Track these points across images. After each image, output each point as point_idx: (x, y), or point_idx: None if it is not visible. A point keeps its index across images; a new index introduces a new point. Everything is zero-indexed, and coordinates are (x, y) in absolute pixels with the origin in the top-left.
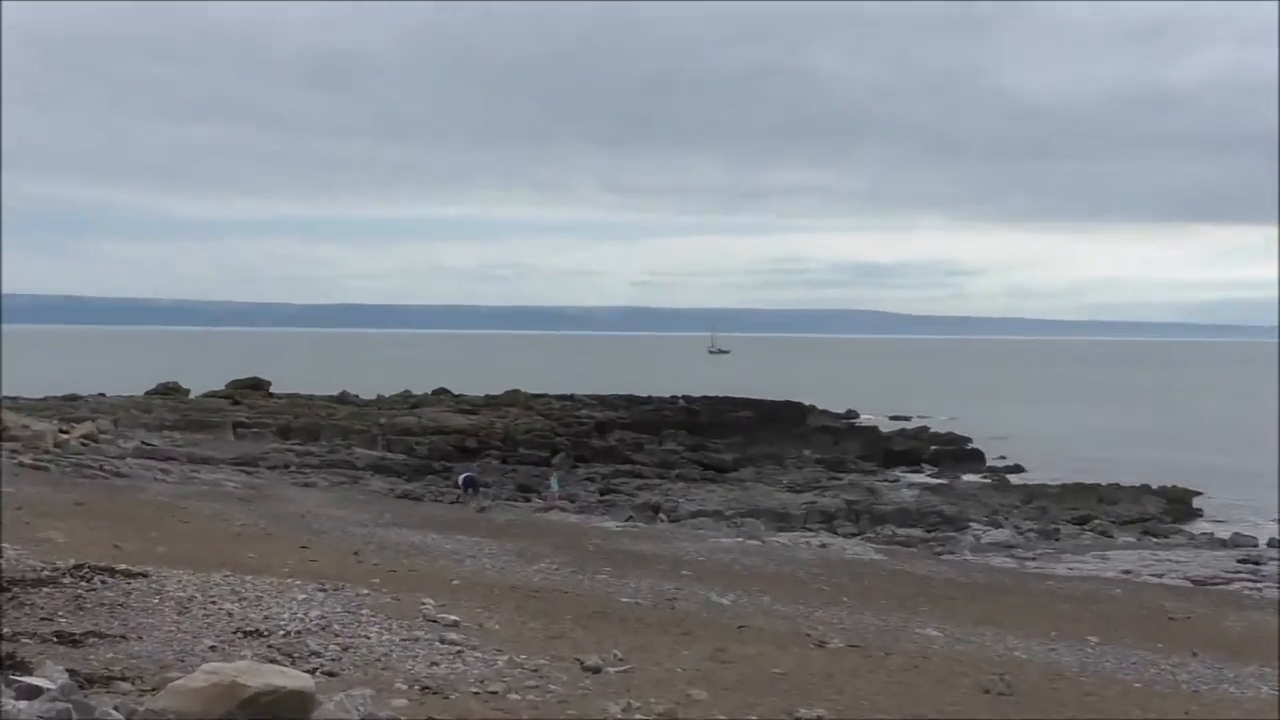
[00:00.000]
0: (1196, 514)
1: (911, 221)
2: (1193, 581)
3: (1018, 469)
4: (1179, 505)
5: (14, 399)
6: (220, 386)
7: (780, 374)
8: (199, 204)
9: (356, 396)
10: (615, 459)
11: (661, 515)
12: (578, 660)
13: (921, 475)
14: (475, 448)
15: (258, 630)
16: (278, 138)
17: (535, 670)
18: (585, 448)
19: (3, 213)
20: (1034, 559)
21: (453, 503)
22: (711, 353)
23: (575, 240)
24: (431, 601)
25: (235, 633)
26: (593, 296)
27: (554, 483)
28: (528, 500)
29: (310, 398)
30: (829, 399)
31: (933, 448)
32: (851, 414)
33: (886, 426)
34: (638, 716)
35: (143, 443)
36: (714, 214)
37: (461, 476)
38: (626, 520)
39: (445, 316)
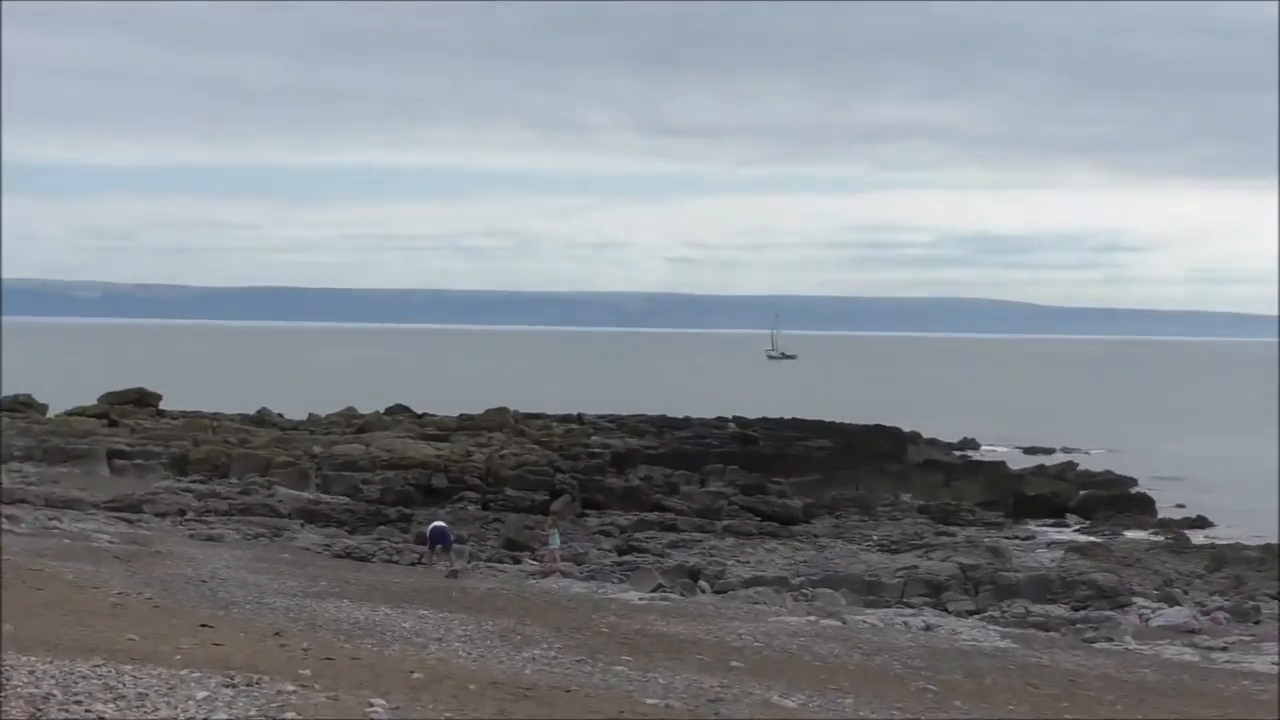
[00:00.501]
0: None
1: (1057, 176)
2: None
3: (1202, 523)
4: None
5: None
6: (90, 401)
7: (870, 388)
8: (48, 146)
9: (280, 416)
10: (640, 504)
11: (703, 584)
12: None
13: (1067, 531)
14: (445, 488)
15: None
16: (161, 52)
17: None
18: (598, 489)
19: None
20: (1224, 649)
21: (414, 564)
22: (772, 357)
23: (591, 200)
24: (383, 703)
25: None
26: (614, 278)
27: (554, 538)
28: (517, 561)
29: (215, 417)
30: (938, 423)
31: (1082, 492)
32: (969, 444)
33: (1018, 462)
34: None
35: None
36: (784, 164)
37: (428, 528)
38: (654, 590)
39: (405, 304)
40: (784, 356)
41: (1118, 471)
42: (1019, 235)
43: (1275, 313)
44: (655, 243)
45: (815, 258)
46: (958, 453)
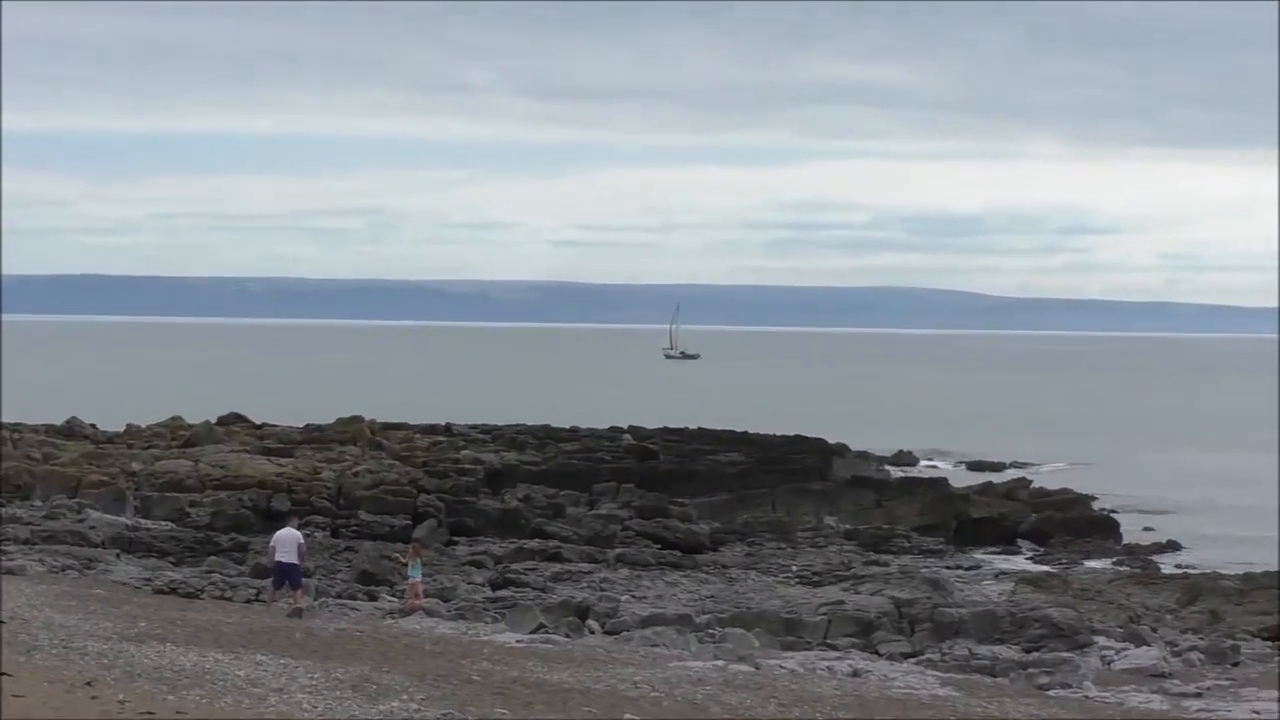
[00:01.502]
0: None
1: (1015, 147)
2: None
3: (1173, 547)
4: None
5: None
6: None
7: (790, 392)
8: None
9: (93, 427)
10: (518, 530)
11: (592, 623)
12: None
13: (1018, 559)
14: (287, 511)
15: None
16: None
17: None
18: (469, 512)
19: None
20: (1198, 695)
21: (250, 601)
22: (670, 356)
23: (467, 173)
24: None
25: None
26: (492, 265)
27: (414, 569)
28: (373, 598)
29: (16, 429)
30: (869, 434)
31: (1036, 515)
32: (905, 458)
33: (962, 479)
34: None
35: None
36: (695, 132)
37: (268, 558)
38: (534, 631)
39: (242, 295)
40: (684, 356)
41: (1077, 490)
42: (970, 215)
43: (1275, 304)
44: (542, 224)
45: (731, 241)
46: (891, 468)
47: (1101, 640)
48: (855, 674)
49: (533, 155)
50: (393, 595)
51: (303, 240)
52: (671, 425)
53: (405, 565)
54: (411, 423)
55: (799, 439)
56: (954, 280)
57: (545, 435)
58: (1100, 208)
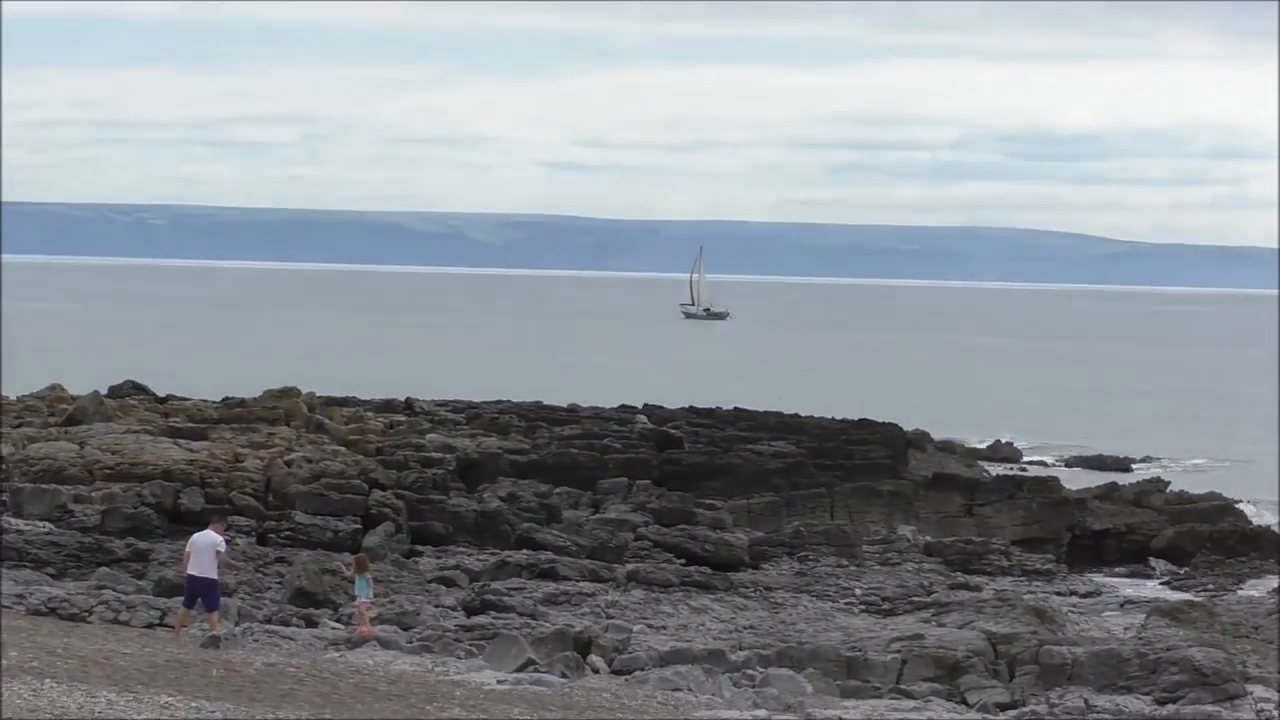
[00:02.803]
0: None
1: (1149, 43)
2: None
3: None
4: None
5: None
6: None
7: (852, 365)
8: None
9: None
10: (500, 539)
11: (596, 659)
12: None
13: (1150, 584)
14: (201, 511)
15: None
16: None
17: None
18: (436, 514)
19: None
20: None
21: (153, 626)
22: (691, 315)
23: (429, 70)
24: None
25: None
26: (464, 194)
27: (360, 587)
28: (311, 624)
29: None
30: (957, 420)
31: (1174, 527)
32: (1005, 451)
33: (1077, 480)
34: None
35: None
36: (729, 21)
37: (177, 571)
38: (521, 669)
39: (132, 228)
40: (709, 315)
41: (1227, 495)
42: (1087, 133)
43: None
44: (530, 139)
45: (774, 165)
46: (986, 465)
47: (1258, 690)
48: None
49: (516, 48)
50: (338, 621)
51: (214, 157)
52: (699, 405)
53: (352, 581)
54: (362, 397)
55: (864, 424)
56: (1065, 219)
57: (536, 416)
58: (1260, 125)
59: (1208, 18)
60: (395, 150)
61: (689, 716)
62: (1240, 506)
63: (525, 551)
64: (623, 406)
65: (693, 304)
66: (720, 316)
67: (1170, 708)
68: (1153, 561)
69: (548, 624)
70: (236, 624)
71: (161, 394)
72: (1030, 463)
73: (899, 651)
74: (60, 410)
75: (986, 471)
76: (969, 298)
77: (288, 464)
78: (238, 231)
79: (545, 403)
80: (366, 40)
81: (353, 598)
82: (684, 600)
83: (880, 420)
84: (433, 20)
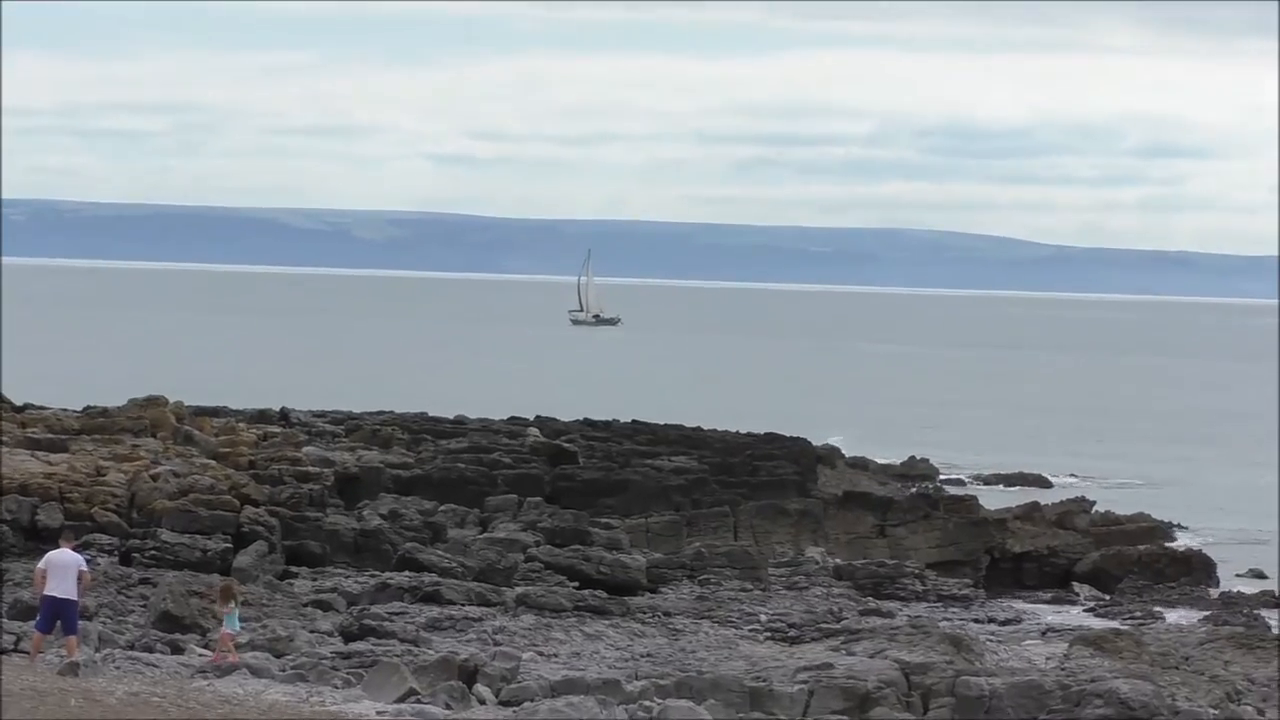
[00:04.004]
0: None
1: (1079, 34)
2: None
3: None
4: None
5: None
6: None
7: (758, 375)
8: None
9: None
10: (380, 559)
11: (483, 689)
12: None
13: (1073, 610)
14: (60, 528)
15: None
16: None
17: None
18: (313, 533)
19: None
20: None
21: (7, 652)
22: (579, 321)
23: (309, 56)
24: None
25: None
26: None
27: (229, 619)
28: (177, 650)
29: None
30: (869, 435)
31: (1098, 550)
32: (920, 468)
33: (997, 498)
34: None
35: None
36: (641, 5)
37: (33, 592)
38: (403, 700)
39: None
40: (599, 321)
41: (1155, 515)
42: (1012, 128)
43: None
44: (418, 130)
45: (677, 160)
46: (901, 482)
47: None
48: None
49: (404, 33)
50: (205, 647)
51: (79, 148)
52: (594, 417)
53: (220, 612)
54: (234, 407)
55: (771, 439)
56: (988, 221)
57: (419, 428)
58: (1194, 120)
59: (1137, 8)
60: (274, 141)
61: None
62: (1168, 526)
63: (408, 573)
64: (512, 418)
65: (581, 310)
66: (611, 323)
67: None
68: (1077, 586)
69: (431, 651)
70: (97, 650)
71: (17, 402)
72: (946, 480)
73: (806, 682)
74: None
75: (898, 490)
76: (884, 304)
77: (153, 478)
78: (105, 228)
79: (430, 414)
80: (245, 23)
81: (218, 624)
82: (577, 626)
83: (787, 435)
84: (316, 2)
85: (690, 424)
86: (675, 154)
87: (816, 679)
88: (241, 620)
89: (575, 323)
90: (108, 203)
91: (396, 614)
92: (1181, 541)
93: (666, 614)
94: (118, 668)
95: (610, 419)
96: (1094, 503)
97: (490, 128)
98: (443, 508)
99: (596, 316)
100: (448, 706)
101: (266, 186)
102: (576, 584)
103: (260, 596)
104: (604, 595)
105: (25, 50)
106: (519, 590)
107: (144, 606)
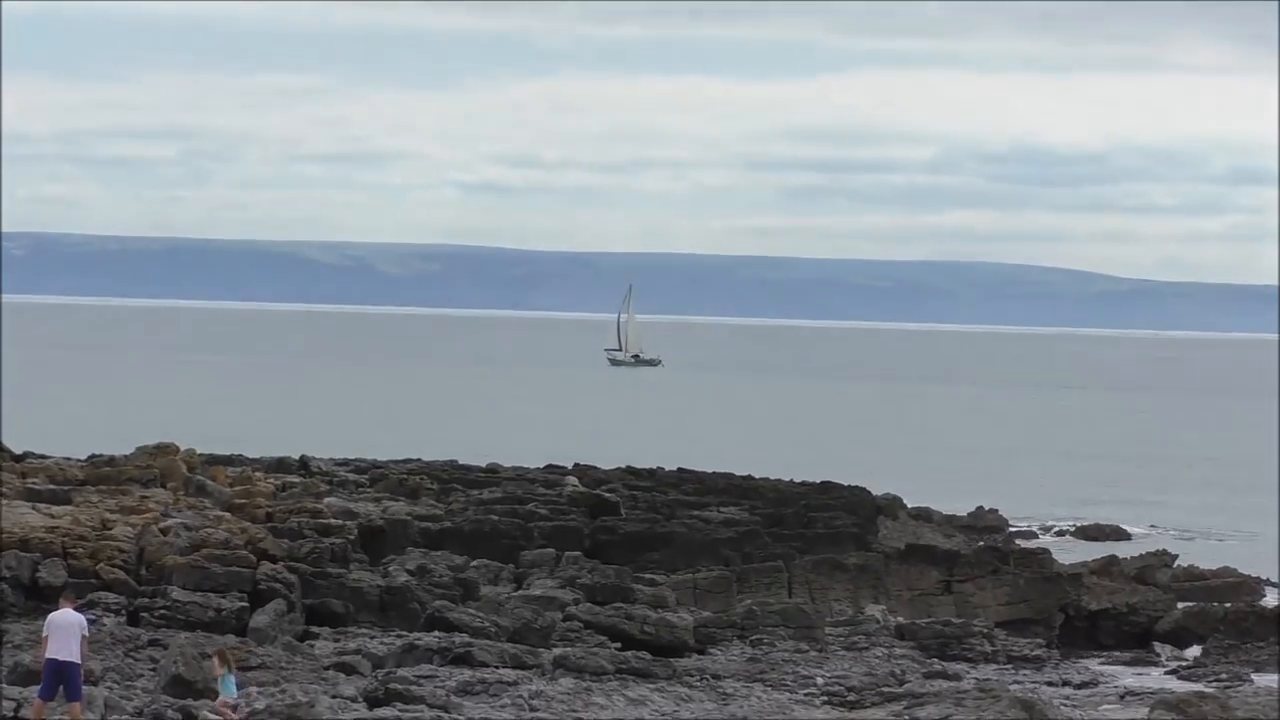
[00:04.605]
0: None
1: (1158, 51)
2: None
3: None
4: None
5: None
6: None
7: (813, 420)
8: None
9: None
10: (408, 619)
11: None
12: None
13: (1154, 672)
14: (63, 586)
15: None
16: None
17: None
18: (335, 590)
19: None
20: None
21: (8, 719)
22: (618, 362)
23: (328, 79)
24: None
25: None
26: (368, 221)
27: (225, 684)
28: (190, 717)
29: None
30: (934, 483)
31: (1183, 605)
32: (988, 519)
33: (1072, 551)
34: None
35: None
36: (674, 23)
37: (35, 655)
38: None
39: None
40: (639, 362)
41: (1243, 570)
42: (1086, 153)
43: None
44: (445, 158)
45: (723, 188)
46: (968, 535)
47: None
48: None
49: (430, 53)
50: (206, 714)
51: (82, 177)
52: (636, 465)
53: (215, 675)
54: (250, 455)
55: (827, 488)
56: (1060, 253)
57: (449, 478)
58: None
59: (1219, 24)
60: (290, 170)
61: None
62: (1258, 581)
63: (437, 633)
64: (549, 466)
65: (620, 349)
66: (652, 363)
67: None
68: (1158, 647)
69: (462, 717)
70: (102, 716)
71: (17, 450)
72: (1016, 533)
73: None
74: None
75: (965, 543)
76: (948, 342)
77: (163, 532)
78: (109, 263)
79: (460, 461)
80: (258, 43)
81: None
82: (620, 690)
83: (845, 483)
84: (334, 20)
85: (740, 472)
86: (721, 181)
87: None
88: (258, 686)
89: (613, 363)
90: (112, 235)
91: (425, 677)
92: (1271, 598)
93: (715, 677)
94: None
95: (654, 467)
96: (1176, 556)
97: (521, 154)
98: (474, 563)
99: (636, 356)
100: None
101: (282, 218)
102: (619, 645)
103: (279, 659)
104: (648, 657)
105: (22, 72)
106: (557, 652)
107: (153, 670)
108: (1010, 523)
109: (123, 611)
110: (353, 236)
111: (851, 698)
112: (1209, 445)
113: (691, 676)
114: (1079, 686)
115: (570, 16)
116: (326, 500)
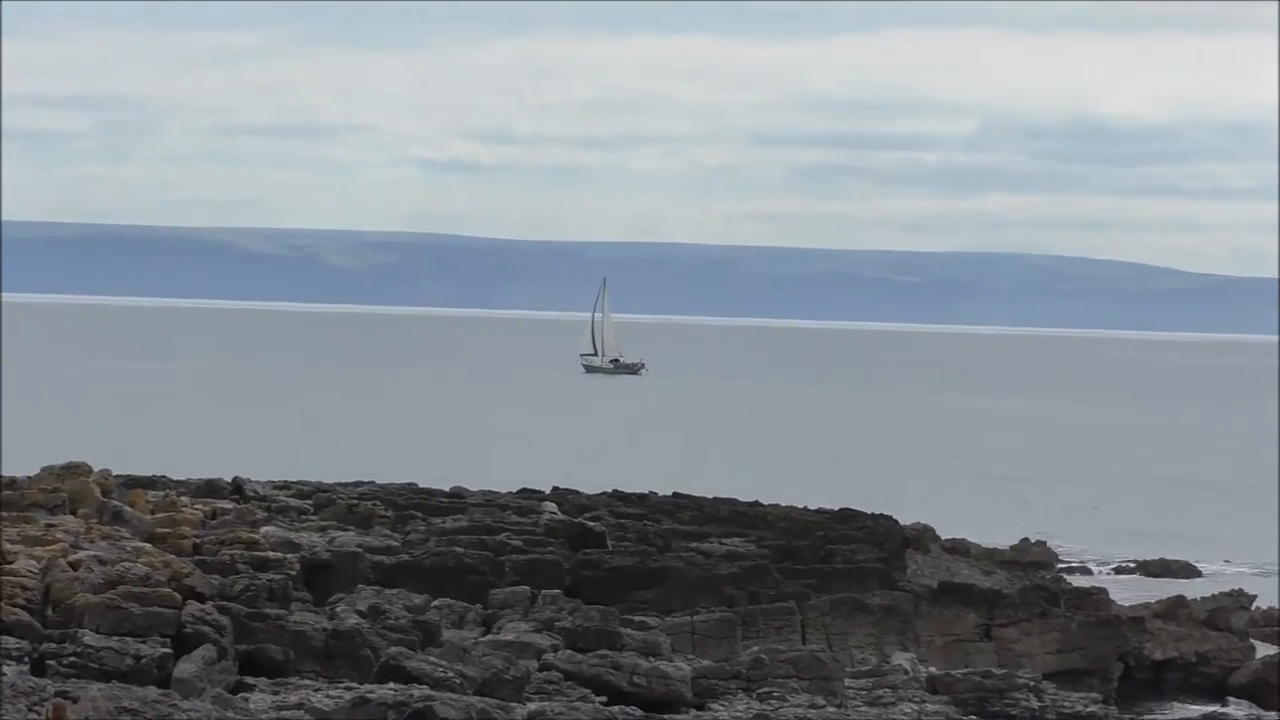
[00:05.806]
0: None
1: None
2: None
3: None
4: None
5: None
6: None
7: (826, 438)
8: None
9: None
10: (359, 667)
11: None
12: None
13: None
14: None
15: None
16: None
17: None
18: (273, 634)
19: None
20: None
21: None
22: (593, 368)
23: (263, 37)
24: None
25: None
26: (314, 205)
27: None
28: None
29: None
30: (971, 512)
31: (1261, 659)
32: (1034, 553)
33: (1134, 591)
34: None
35: None
36: None
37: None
38: None
39: None
40: (618, 367)
41: None
42: (1149, 127)
43: None
44: (399, 130)
45: (726, 167)
46: (1011, 572)
47: None
48: None
49: (387, 10)
50: None
51: None
52: (624, 489)
53: None
54: (175, 477)
55: (847, 516)
56: (1117, 244)
57: (407, 503)
58: None
59: None
60: (223, 144)
61: None
62: None
63: (392, 685)
64: (524, 491)
65: (595, 353)
66: (633, 370)
67: None
68: (1233, 702)
69: None
70: None
71: None
72: (1067, 569)
73: None
74: None
75: (1010, 580)
76: (986, 347)
77: (73, 566)
78: (12, 252)
79: (420, 485)
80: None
81: None
82: None
83: (868, 511)
84: None
85: (745, 498)
86: (722, 159)
87: None
88: None
89: (588, 369)
90: (17, 221)
91: None
92: None
93: None
94: None
95: (646, 491)
96: (1255, 596)
97: (492, 128)
98: (436, 603)
99: (615, 362)
100: None
101: (214, 201)
102: (604, 699)
103: (206, 714)
104: (639, 713)
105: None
106: (532, 707)
107: None
108: (1060, 557)
109: (26, 659)
110: (296, 223)
111: None
112: None
113: None
114: None
115: None
116: (263, 530)
